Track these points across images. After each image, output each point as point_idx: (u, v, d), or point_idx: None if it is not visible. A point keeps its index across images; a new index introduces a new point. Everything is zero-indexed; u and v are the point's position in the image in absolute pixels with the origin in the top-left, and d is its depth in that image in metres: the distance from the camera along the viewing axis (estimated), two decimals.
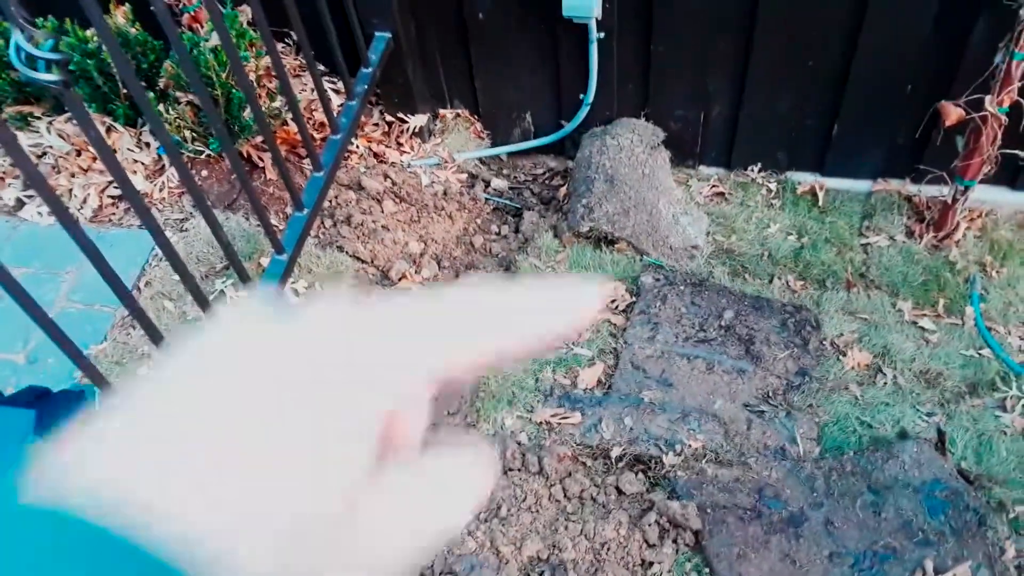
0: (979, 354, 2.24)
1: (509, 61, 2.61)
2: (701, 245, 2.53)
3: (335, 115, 2.27)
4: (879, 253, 2.51)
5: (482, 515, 1.83)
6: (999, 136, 2.21)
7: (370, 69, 2.36)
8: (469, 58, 2.64)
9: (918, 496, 1.81)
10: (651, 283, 2.33)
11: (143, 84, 1.56)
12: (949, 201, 2.42)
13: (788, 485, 1.85)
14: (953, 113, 2.22)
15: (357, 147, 2.61)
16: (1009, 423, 2.03)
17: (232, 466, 0.23)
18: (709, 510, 1.78)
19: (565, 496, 1.86)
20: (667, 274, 2.37)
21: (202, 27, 2.30)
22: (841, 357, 2.17)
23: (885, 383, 2.11)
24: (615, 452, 1.91)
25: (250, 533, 0.23)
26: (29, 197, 2.38)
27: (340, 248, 2.39)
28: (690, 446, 1.90)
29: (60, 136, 2.40)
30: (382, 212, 2.49)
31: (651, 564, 1.75)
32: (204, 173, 2.39)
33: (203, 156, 2.39)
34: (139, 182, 2.34)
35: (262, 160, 2.43)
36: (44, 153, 2.38)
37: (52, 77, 1.27)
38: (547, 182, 2.89)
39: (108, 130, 2.34)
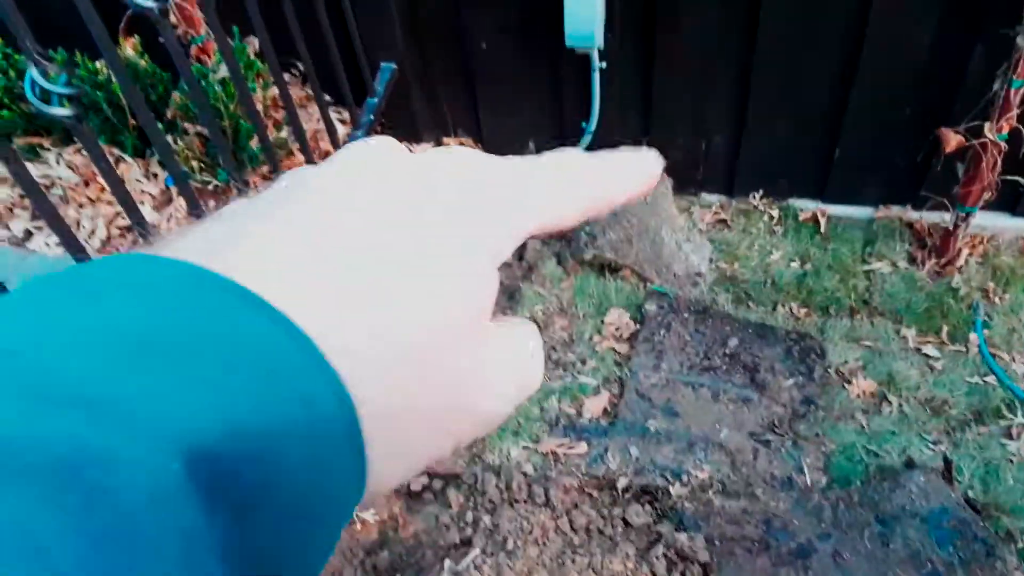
0: (984, 381, 2.24)
1: (512, 90, 2.64)
2: (704, 272, 2.54)
3: (341, 145, 2.28)
4: (882, 280, 2.52)
5: (488, 548, 1.82)
6: (999, 162, 2.23)
7: (376, 99, 2.38)
8: (473, 87, 2.67)
9: (926, 526, 1.80)
10: (655, 311, 2.34)
11: (152, 115, 1.57)
12: (950, 227, 2.43)
13: (796, 516, 1.84)
14: (953, 140, 2.24)
15: None
16: (1015, 451, 2.03)
17: (375, 280, 0.23)
18: (717, 542, 1.77)
19: (572, 528, 1.86)
20: (671, 302, 2.37)
21: (210, 58, 2.33)
22: (846, 385, 2.17)
23: (891, 411, 2.11)
24: (621, 483, 1.91)
25: (383, 348, 0.22)
26: (37, 228, 2.39)
27: None
28: (697, 477, 1.90)
29: (69, 167, 2.42)
30: None
31: None
32: (212, 203, 2.41)
33: (211, 186, 2.40)
34: (147, 213, 2.36)
35: None
36: (53, 184, 2.40)
37: (66, 112, 1.28)
38: None
39: (117, 161, 2.36)
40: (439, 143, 2.84)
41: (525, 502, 1.90)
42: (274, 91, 2.37)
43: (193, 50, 2.34)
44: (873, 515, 1.83)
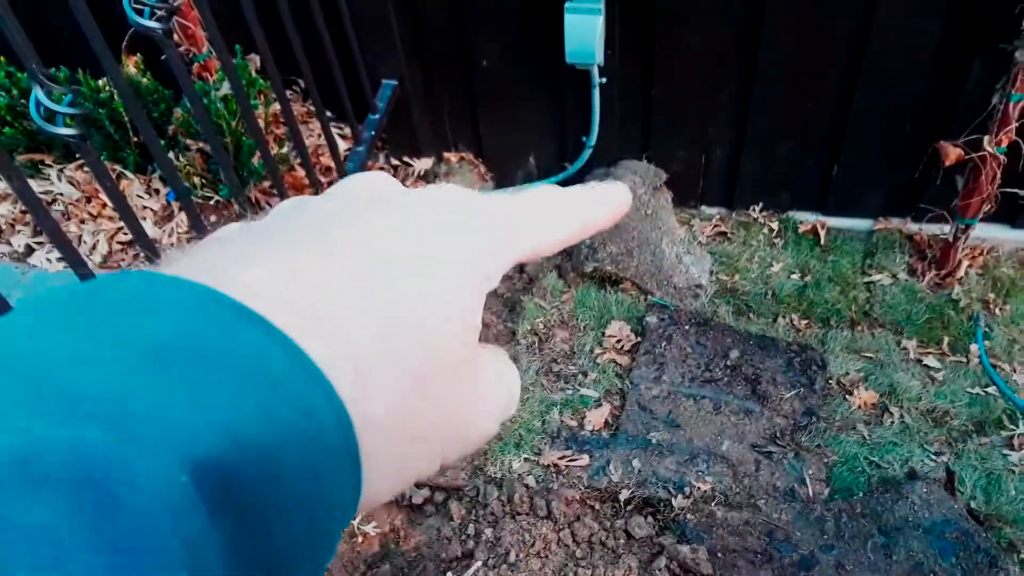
0: (985, 392, 2.24)
1: (513, 106, 2.65)
2: (705, 284, 2.55)
3: (342, 160, 2.30)
4: (882, 291, 2.52)
5: (490, 561, 1.82)
6: (998, 175, 2.24)
7: (377, 115, 2.40)
8: (473, 103, 2.68)
9: (928, 537, 1.80)
10: (656, 323, 2.34)
11: (154, 132, 1.59)
12: (950, 239, 2.44)
13: (798, 527, 1.84)
14: (952, 153, 2.25)
15: None
16: (1017, 462, 2.02)
17: (375, 301, 0.24)
18: (720, 554, 1.77)
19: (574, 541, 1.86)
20: (672, 314, 2.38)
21: (212, 76, 2.35)
22: (848, 396, 2.17)
23: (892, 422, 2.11)
24: (624, 495, 1.91)
25: (383, 364, 0.23)
26: (39, 243, 2.40)
27: None
28: (699, 488, 1.90)
29: (71, 183, 2.43)
30: None
31: None
32: (213, 218, 2.42)
33: (212, 202, 2.42)
34: (149, 228, 2.37)
35: (270, 205, 2.45)
36: (54, 200, 2.41)
37: (71, 132, 1.30)
38: None
39: (118, 177, 2.38)
40: (440, 159, 2.86)
41: (527, 515, 1.90)
42: (276, 107, 2.39)
43: (195, 68, 2.36)
44: (876, 526, 1.83)
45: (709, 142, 2.63)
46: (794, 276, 2.59)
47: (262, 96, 2.39)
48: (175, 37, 2.24)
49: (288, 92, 2.54)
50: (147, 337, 0.19)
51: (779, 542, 1.81)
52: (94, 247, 2.38)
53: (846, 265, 2.60)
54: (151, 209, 2.43)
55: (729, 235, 2.73)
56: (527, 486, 1.95)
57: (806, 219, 2.72)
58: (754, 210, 2.75)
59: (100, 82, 2.27)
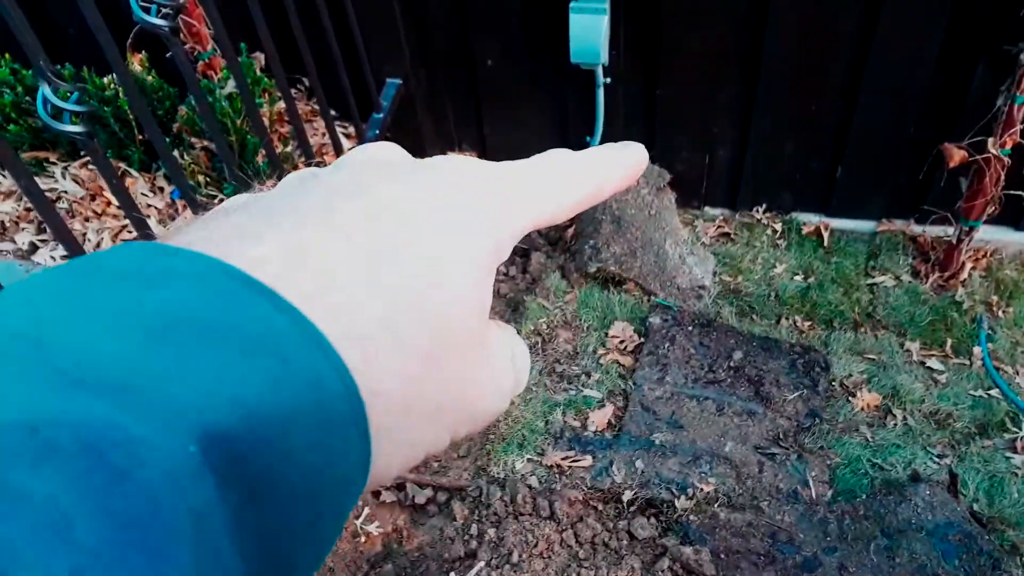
0: (988, 395, 2.24)
1: (517, 105, 2.65)
2: (708, 285, 2.55)
3: None
4: (885, 293, 2.52)
5: (493, 561, 1.82)
6: (1002, 177, 2.24)
7: (382, 114, 2.40)
8: (478, 103, 2.68)
9: (931, 540, 1.80)
10: (659, 324, 2.34)
11: (159, 130, 1.59)
12: (954, 241, 2.44)
13: (801, 529, 1.84)
14: (956, 155, 2.25)
15: None
16: (1020, 464, 2.02)
17: (386, 272, 0.23)
18: (723, 555, 1.77)
19: (577, 541, 1.86)
20: (675, 315, 2.38)
21: (216, 74, 2.35)
22: (850, 398, 2.17)
23: (895, 424, 2.11)
24: (627, 496, 1.91)
25: (392, 341, 0.23)
26: (43, 241, 2.40)
27: None
28: (702, 490, 1.90)
29: (75, 181, 2.43)
30: None
31: None
32: None
33: (216, 200, 2.42)
34: (153, 226, 2.37)
35: None
36: (59, 197, 2.41)
37: (78, 129, 1.30)
38: None
39: (123, 175, 2.38)
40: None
41: (530, 515, 1.90)
42: (280, 106, 2.39)
43: (200, 66, 2.36)
44: (879, 528, 1.83)
45: (713, 143, 2.63)
46: (797, 277, 2.59)
47: (267, 94, 2.39)
48: (180, 35, 2.24)
49: (292, 90, 2.54)
50: (153, 308, 0.19)
51: (782, 544, 1.81)
52: (98, 245, 2.38)
53: (849, 267, 2.60)
54: (155, 207, 2.43)
55: (732, 236, 2.73)
56: (530, 486, 1.95)
57: (810, 220, 2.72)
58: (758, 211, 2.75)
59: (105, 80, 2.27)
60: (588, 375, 2.24)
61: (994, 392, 2.24)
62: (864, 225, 2.68)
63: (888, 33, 2.19)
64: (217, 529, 0.17)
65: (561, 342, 2.34)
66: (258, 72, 2.36)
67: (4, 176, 2.43)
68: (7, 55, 2.37)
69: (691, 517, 1.87)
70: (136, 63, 2.36)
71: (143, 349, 0.18)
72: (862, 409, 2.15)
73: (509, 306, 2.57)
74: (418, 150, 2.78)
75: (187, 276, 0.20)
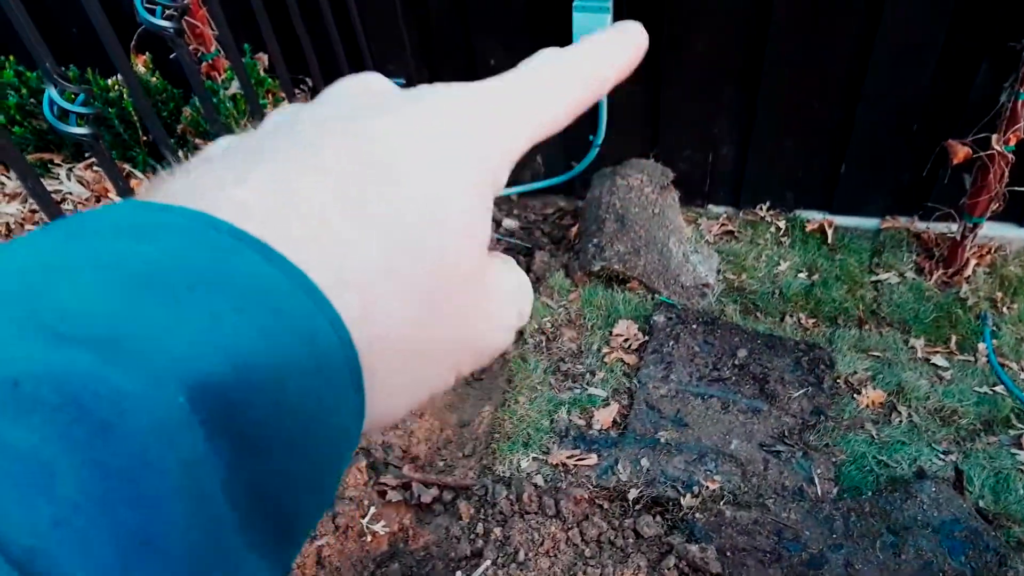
0: (993, 391, 2.24)
1: None
2: (712, 283, 2.55)
3: None
4: (890, 290, 2.52)
5: (499, 560, 1.82)
6: (1006, 173, 2.24)
7: None
8: None
9: (937, 536, 1.80)
10: (663, 322, 2.35)
11: (164, 131, 1.59)
12: (958, 238, 2.44)
13: (807, 527, 1.84)
14: (960, 151, 2.25)
15: None
16: None
17: (376, 211, 0.23)
18: (729, 553, 1.77)
19: (583, 540, 1.86)
20: (679, 313, 2.38)
21: (220, 75, 2.35)
22: (855, 395, 2.17)
23: (900, 421, 2.11)
24: (632, 494, 1.91)
25: (389, 283, 0.22)
26: None
27: None
28: (708, 487, 1.90)
29: (80, 182, 2.44)
30: None
31: None
32: None
33: None
34: None
35: None
36: (64, 199, 2.42)
37: (84, 131, 1.30)
38: (557, 222, 2.92)
39: (128, 176, 2.38)
40: None
41: (536, 514, 1.91)
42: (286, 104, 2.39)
43: (203, 67, 2.36)
44: (884, 525, 1.83)
45: (716, 141, 2.63)
46: (801, 275, 2.59)
47: (270, 95, 2.39)
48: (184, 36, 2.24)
49: (296, 91, 2.55)
50: (139, 262, 0.19)
51: (788, 541, 1.81)
52: None
53: (853, 264, 2.60)
54: None
55: (736, 234, 2.73)
56: (536, 485, 1.95)
57: (813, 218, 2.72)
58: (761, 209, 2.75)
59: (109, 81, 2.28)
60: (593, 374, 2.24)
61: (999, 388, 2.24)
62: (868, 222, 2.68)
63: (891, 29, 2.19)
64: (209, 481, 0.17)
65: (565, 341, 2.34)
66: (262, 73, 2.37)
67: (9, 178, 2.44)
68: (11, 57, 2.38)
69: (697, 515, 1.87)
70: (140, 64, 2.36)
71: (128, 302, 0.18)
72: (867, 406, 2.15)
73: None
74: None
75: (172, 230, 0.20)
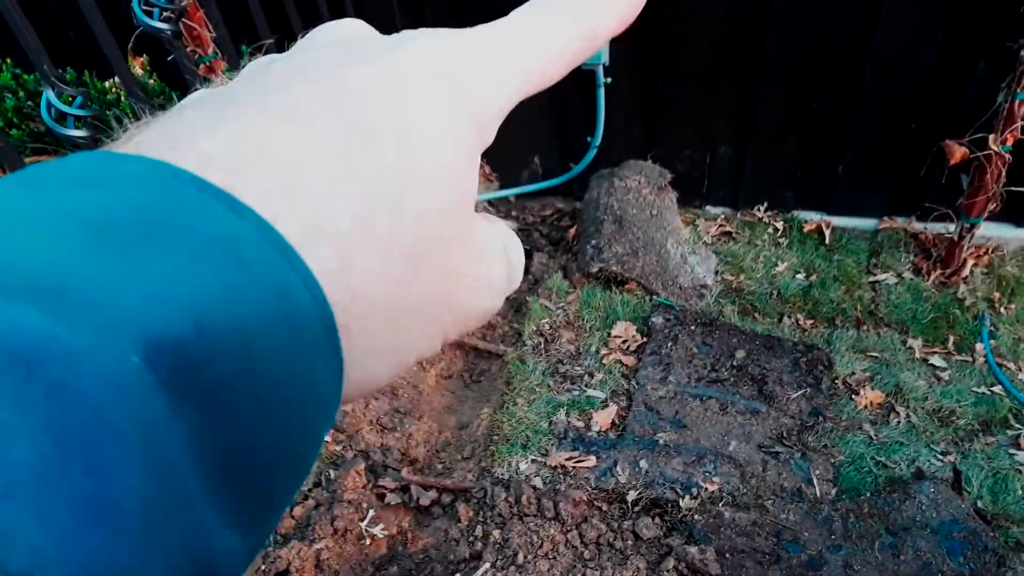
0: (991, 391, 2.24)
1: (517, 106, 2.65)
2: (710, 284, 2.55)
3: None
4: (887, 291, 2.52)
5: (498, 563, 1.82)
6: (1003, 174, 2.24)
7: None
8: None
9: (936, 537, 1.80)
10: (662, 323, 2.35)
11: None
12: (955, 238, 2.44)
13: (806, 528, 1.84)
14: (957, 151, 2.25)
15: None
16: (1023, 461, 2.03)
17: (353, 164, 0.21)
18: (728, 555, 1.77)
19: (582, 542, 1.86)
20: (677, 314, 2.38)
21: (217, 76, 2.34)
22: (854, 396, 2.18)
23: (899, 422, 2.11)
24: (631, 496, 1.91)
25: (367, 240, 0.21)
26: None
27: None
28: (706, 489, 1.90)
29: None
30: None
31: None
32: None
33: None
34: None
35: None
36: None
37: (81, 133, 1.30)
38: (555, 223, 2.92)
39: None
40: None
41: (535, 516, 1.91)
42: None
43: (201, 68, 2.36)
44: (883, 526, 1.84)
45: (714, 142, 2.63)
46: (799, 276, 2.59)
47: None
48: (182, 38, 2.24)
49: None
50: (93, 212, 0.17)
51: (787, 542, 1.81)
52: None
53: (851, 264, 2.60)
54: None
55: (734, 235, 2.73)
56: (534, 487, 1.95)
57: (811, 218, 2.72)
58: (759, 210, 2.76)
59: (107, 83, 2.28)
60: (591, 375, 2.24)
61: (997, 389, 2.25)
62: (865, 223, 2.68)
63: (888, 30, 2.19)
64: (172, 445, 0.16)
65: (564, 342, 2.34)
66: None
67: None
68: (9, 60, 2.37)
69: (696, 517, 1.87)
70: (137, 66, 2.36)
71: (80, 253, 0.17)
72: (865, 407, 2.15)
73: (511, 307, 2.57)
74: None
75: (131, 179, 0.18)
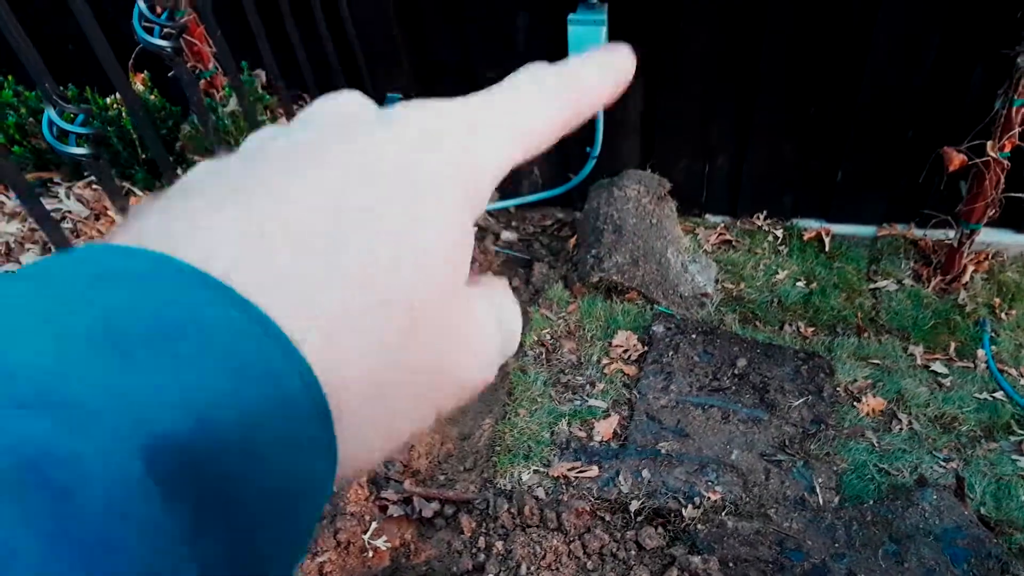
0: (993, 397, 2.24)
1: None
2: (711, 293, 2.56)
3: None
4: (888, 298, 2.53)
5: (501, 574, 1.82)
6: (1002, 180, 2.25)
7: None
8: None
9: (940, 544, 1.80)
10: (663, 332, 2.35)
11: (164, 149, 1.60)
12: (955, 244, 2.45)
13: (809, 536, 1.84)
14: (956, 158, 2.26)
15: None
16: None
17: (345, 244, 0.22)
18: (731, 564, 1.77)
19: (585, 552, 1.86)
20: (678, 323, 2.38)
21: (218, 92, 2.36)
22: (856, 403, 2.18)
23: (901, 429, 2.11)
24: (634, 506, 1.91)
25: (360, 324, 0.22)
26: None
27: None
28: (709, 498, 1.90)
29: (80, 201, 2.44)
30: None
31: None
32: None
33: None
34: None
35: None
36: (64, 218, 2.43)
37: (82, 151, 1.31)
38: (556, 233, 2.93)
39: (127, 194, 2.39)
40: None
41: (537, 527, 1.90)
42: (283, 122, 2.40)
43: (202, 84, 2.37)
44: (887, 534, 1.83)
45: (712, 151, 2.64)
46: (799, 283, 2.59)
47: (268, 112, 2.40)
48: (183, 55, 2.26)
49: (295, 107, 2.56)
50: (97, 312, 0.18)
51: (790, 551, 1.81)
52: None
53: (851, 272, 2.60)
54: None
55: (734, 243, 2.74)
56: (537, 498, 1.95)
57: (810, 226, 2.73)
58: (758, 218, 2.76)
59: (108, 100, 2.29)
60: (593, 385, 2.24)
61: (999, 395, 2.25)
62: (865, 230, 2.69)
63: (885, 38, 2.20)
64: (171, 544, 0.17)
65: (565, 352, 2.35)
66: (260, 89, 2.38)
67: (9, 197, 2.45)
68: (10, 77, 2.39)
69: (699, 526, 1.87)
70: (139, 83, 2.37)
71: (85, 359, 0.17)
72: (867, 414, 2.15)
73: None
74: None
75: (137, 277, 0.19)
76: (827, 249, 2.67)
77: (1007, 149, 2.18)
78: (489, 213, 2.90)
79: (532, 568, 1.82)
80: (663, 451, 2.03)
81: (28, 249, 2.45)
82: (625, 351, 2.33)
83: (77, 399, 0.16)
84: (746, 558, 1.79)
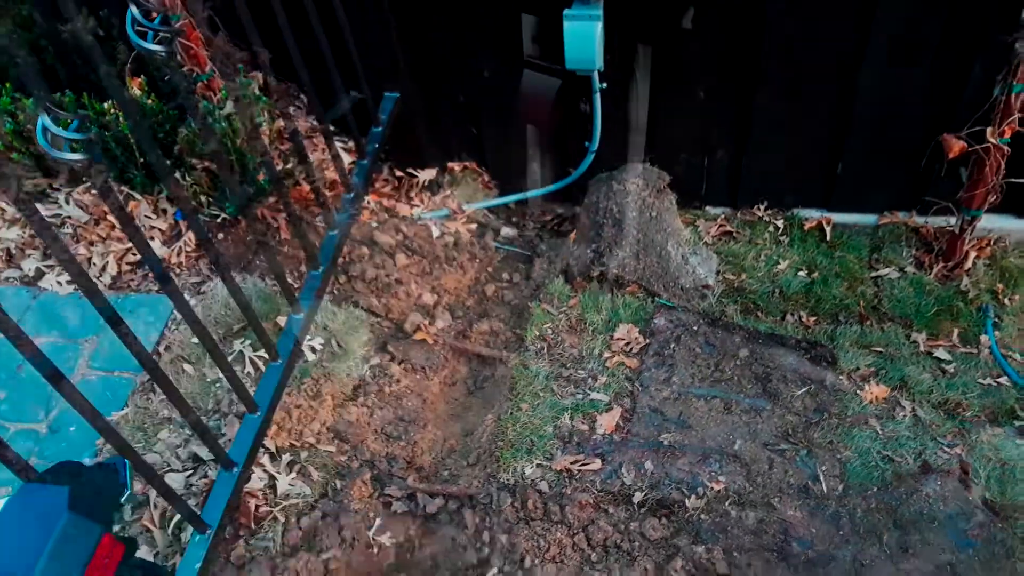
0: (996, 382, 2.24)
1: (515, 114, 2.66)
2: (712, 284, 2.55)
3: (348, 173, 2.32)
4: (890, 285, 2.52)
5: (506, 568, 1.83)
6: (1002, 166, 2.24)
7: (380, 128, 2.42)
8: (476, 113, 2.70)
9: (944, 530, 1.80)
10: (664, 324, 2.35)
11: (160, 153, 1.60)
12: (957, 231, 2.44)
13: (813, 524, 1.84)
14: (956, 145, 2.25)
15: (368, 203, 2.66)
16: None
17: None
18: (735, 553, 1.77)
19: (589, 544, 1.86)
20: (680, 315, 2.38)
21: (215, 95, 2.37)
22: (859, 391, 2.17)
23: (904, 416, 2.11)
24: (637, 497, 1.91)
25: None
26: (48, 267, 2.42)
27: (355, 303, 2.42)
28: (712, 488, 1.90)
29: (79, 206, 2.46)
30: (395, 266, 2.52)
31: None
32: (220, 236, 2.44)
33: (219, 219, 2.44)
34: (157, 248, 2.39)
35: (276, 221, 2.47)
36: (63, 223, 2.44)
37: (77, 157, 1.31)
38: (556, 228, 2.93)
39: (126, 198, 2.40)
40: (444, 169, 2.87)
41: (541, 520, 1.91)
42: (280, 124, 2.41)
43: (198, 87, 2.38)
44: (891, 520, 1.83)
45: (712, 143, 2.63)
46: (801, 273, 2.59)
47: (265, 113, 2.41)
48: (178, 58, 2.26)
49: (291, 108, 2.57)
50: None
51: (795, 540, 1.81)
52: (103, 268, 2.40)
53: (853, 260, 2.60)
54: (159, 229, 2.45)
55: (734, 234, 2.73)
56: (540, 491, 1.96)
57: (811, 216, 2.72)
58: (759, 209, 2.76)
59: (105, 105, 2.30)
60: (595, 378, 2.24)
61: (1003, 380, 2.24)
62: (866, 218, 2.68)
63: (885, 26, 2.19)
64: None
65: (567, 346, 2.35)
66: (256, 91, 2.38)
67: (8, 203, 2.46)
68: (7, 84, 2.40)
69: (702, 516, 1.87)
70: (135, 87, 2.38)
71: None
72: (871, 402, 2.14)
73: (514, 313, 2.57)
74: (417, 162, 2.80)
75: None
76: (828, 238, 2.67)
77: (1007, 135, 2.17)
78: (489, 210, 2.91)
79: (536, 561, 1.83)
80: (666, 442, 2.03)
81: (29, 255, 2.46)
82: (627, 344, 2.33)
83: None
84: (750, 547, 1.79)
